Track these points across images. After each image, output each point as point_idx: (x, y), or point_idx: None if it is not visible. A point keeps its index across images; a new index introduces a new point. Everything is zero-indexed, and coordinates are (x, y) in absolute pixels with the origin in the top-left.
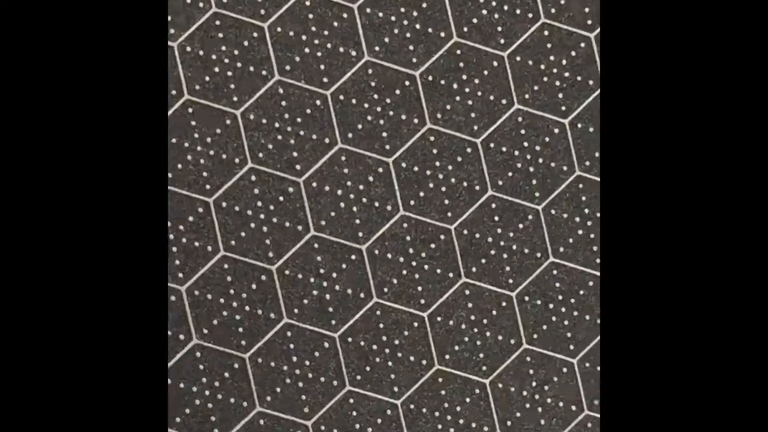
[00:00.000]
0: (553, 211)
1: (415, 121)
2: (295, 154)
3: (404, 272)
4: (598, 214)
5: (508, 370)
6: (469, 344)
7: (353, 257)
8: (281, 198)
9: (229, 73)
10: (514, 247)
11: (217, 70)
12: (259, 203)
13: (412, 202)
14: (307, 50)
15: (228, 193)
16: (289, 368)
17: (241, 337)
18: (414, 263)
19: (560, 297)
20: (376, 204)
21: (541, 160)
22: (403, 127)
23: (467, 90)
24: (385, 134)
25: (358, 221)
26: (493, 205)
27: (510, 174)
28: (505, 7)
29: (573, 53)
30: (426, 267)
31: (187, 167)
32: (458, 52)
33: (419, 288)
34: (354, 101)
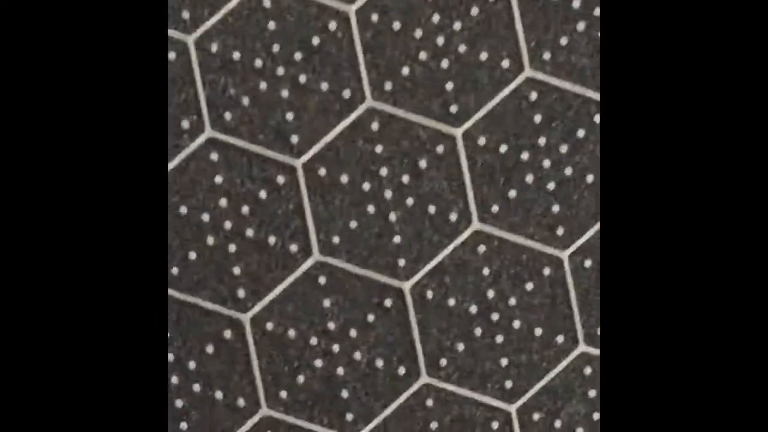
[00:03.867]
0: None
1: (504, 64)
2: (289, 116)
3: (477, 332)
4: None
5: None
6: None
7: (388, 303)
8: (262, 194)
9: None
10: None
11: None
12: (223, 202)
13: (494, 209)
14: None
15: (172, 180)
16: None
17: None
18: (495, 317)
19: None
20: (432, 209)
21: None
22: (481, 75)
23: (595, 12)
24: (450, 86)
25: (398, 240)
26: None
27: None
28: None
29: None
30: (516, 324)
31: None
32: None
33: (503, 361)
34: (396, 25)
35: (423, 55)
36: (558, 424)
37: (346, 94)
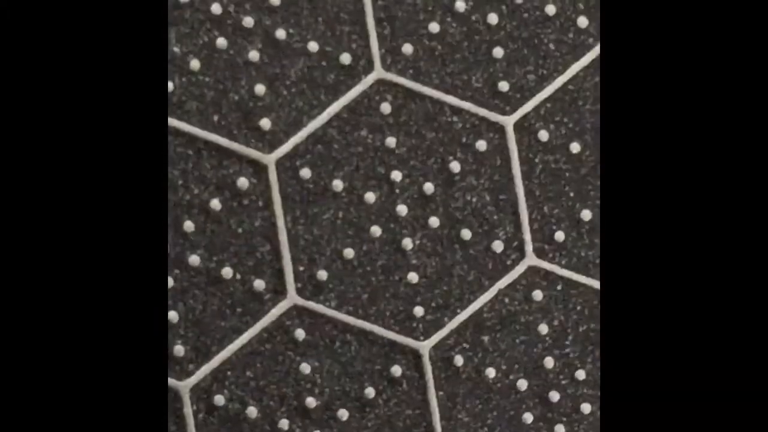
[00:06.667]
0: None
1: (582, 22)
2: (258, 89)
3: (527, 418)
4: None
5: None
6: None
7: (397, 372)
8: (215, 204)
9: None
10: None
11: None
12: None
13: (559, 236)
14: None
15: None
16: None
17: None
18: (555, 397)
19: None
20: (466, 235)
21: None
22: (544, 37)
23: None
24: (499, 52)
25: (414, 278)
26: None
27: None
28: None
29: None
30: (586, 410)
31: None
32: None
33: None
34: None
35: (460, 4)
36: None
37: (345, 58)
